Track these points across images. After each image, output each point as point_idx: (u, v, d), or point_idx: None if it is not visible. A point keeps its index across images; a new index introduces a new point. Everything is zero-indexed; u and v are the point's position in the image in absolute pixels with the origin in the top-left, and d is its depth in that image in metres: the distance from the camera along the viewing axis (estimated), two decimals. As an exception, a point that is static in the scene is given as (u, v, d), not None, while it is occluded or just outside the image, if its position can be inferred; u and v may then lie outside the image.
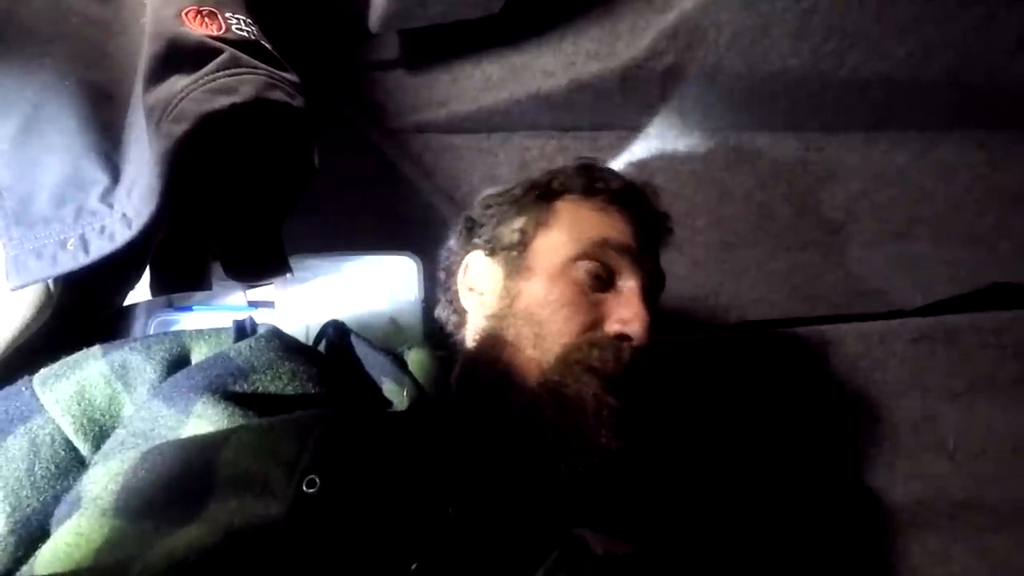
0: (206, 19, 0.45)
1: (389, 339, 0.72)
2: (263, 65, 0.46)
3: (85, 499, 0.35)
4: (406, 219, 0.62)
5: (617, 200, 0.54)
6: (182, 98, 0.41)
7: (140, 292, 0.54)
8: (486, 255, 0.55)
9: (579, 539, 0.38)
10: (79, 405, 0.40)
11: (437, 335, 0.60)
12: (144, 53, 0.43)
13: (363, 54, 0.77)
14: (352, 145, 0.79)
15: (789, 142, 0.87)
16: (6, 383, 0.42)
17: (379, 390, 0.45)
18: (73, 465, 0.40)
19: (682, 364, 0.78)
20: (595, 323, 0.49)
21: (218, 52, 0.44)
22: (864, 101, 0.80)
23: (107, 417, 0.41)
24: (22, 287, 0.43)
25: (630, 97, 0.78)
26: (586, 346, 0.47)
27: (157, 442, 0.36)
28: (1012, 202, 0.89)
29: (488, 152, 0.83)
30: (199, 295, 0.69)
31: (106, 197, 0.43)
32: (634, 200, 0.56)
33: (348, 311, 0.70)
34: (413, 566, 0.32)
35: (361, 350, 0.48)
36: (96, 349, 0.43)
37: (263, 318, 0.62)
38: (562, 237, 0.52)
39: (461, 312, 0.56)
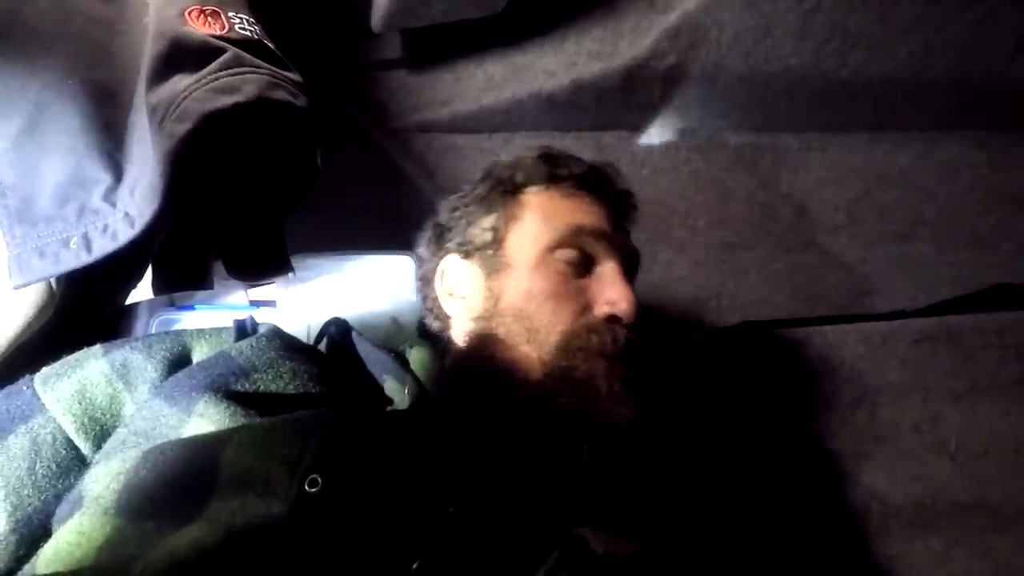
0: (209, 18, 0.45)
1: (390, 338, 0.72)
2: (266, 64, 0.46)
3: (86, 498, 0.35)
4: (408, 219, 0.62)
5: (584, 185, 0.55)
6: (185, 97, 0.41)
7: (142, 291, 0.54)
8: (461, 258, 0.54)
9: (580, 539, 0.38)
10: (80, 404, 0.41)
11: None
12: (147, 52, 0.43)
13: (365, 54, 0.77)
14: (354, 144, 0.79)
15: (791, 142, 0.87)
16: (8, 382, 0.42)
17: (380, 389, 0.45)
18: (74, 464, 0.40)
19: (683, 365, 0.78)
20: (583, 309, 0.49)
21: (221, 51, 0.44)
22: (866, 101, 0.79)
23: (108, 416, 0.41)
24: (24, 286, 0.43)
25: (632, 97, 0.78)
26: (584, 332, 0.48)
27: (159, 441, 0.36)
28: (1015, 203, 0.89)
29: (490, 152, 0.83)
30: (201, 294, 0.69)
31: (109, 196, 0.43)
32: (600, 182, 0.56)
33: (350, 310, 0.71)
34: (414, 565, 0.32)
35: (363, 348, 0.48)
36: (97, 348, 0.43)
37: (264, 317, 0.62)
38: (535, 228, 0.52)
39: (444, 318, 0.55)
